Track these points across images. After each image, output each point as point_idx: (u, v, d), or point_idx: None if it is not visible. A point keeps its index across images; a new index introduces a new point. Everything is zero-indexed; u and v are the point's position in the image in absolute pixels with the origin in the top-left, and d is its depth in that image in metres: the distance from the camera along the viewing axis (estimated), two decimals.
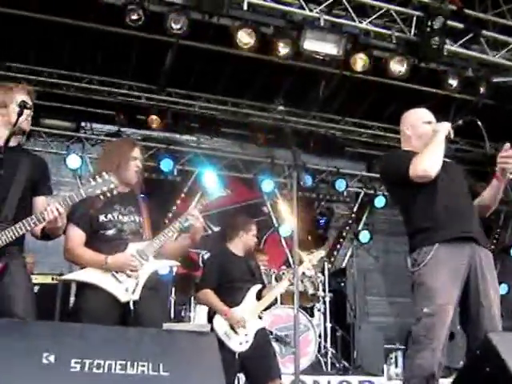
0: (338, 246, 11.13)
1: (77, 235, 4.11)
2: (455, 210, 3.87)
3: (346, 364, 8.13)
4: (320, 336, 8.03)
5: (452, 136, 3.99)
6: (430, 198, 3.90)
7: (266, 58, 8.21)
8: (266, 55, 8.10)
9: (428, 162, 3.87)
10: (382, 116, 10.46)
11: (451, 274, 3.69)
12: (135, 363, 2.84)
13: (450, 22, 7.57)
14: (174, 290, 7.93)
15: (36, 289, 6.34)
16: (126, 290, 3.94)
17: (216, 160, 10.24)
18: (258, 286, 5.78)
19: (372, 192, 11.22)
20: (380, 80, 8.78)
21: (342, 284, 9.71)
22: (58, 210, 3.58)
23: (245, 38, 7.40)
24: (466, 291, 3.75)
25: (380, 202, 11.07)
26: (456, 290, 3.69)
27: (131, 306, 3.90)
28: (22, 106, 3.72)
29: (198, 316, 7.45)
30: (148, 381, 2.85)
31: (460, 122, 4.11)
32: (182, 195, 9.93)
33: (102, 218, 4.12)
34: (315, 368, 7.63)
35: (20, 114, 3.71)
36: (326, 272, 8.52)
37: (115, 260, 3.97)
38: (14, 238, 3.61)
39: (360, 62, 7.83)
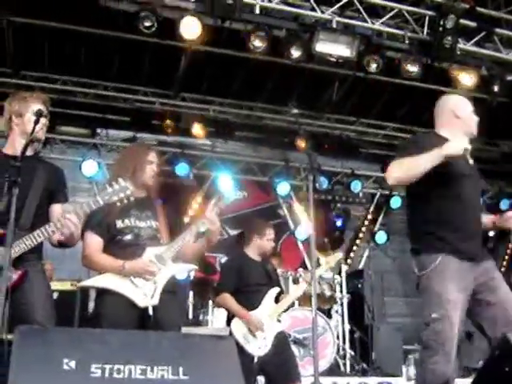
0: (355, 248, 11.12)
1: (94, 242, 4.13)
2: (470, 225, 3.82)
3: (365, 365, 8.11)
4: (338, 338, 8.03)
5: (469, 152, 3.86)
6: (449, 205, 3.81)
7: (278, 60, 8.23)
8: (278, 58, 8.12)
9: (403, 175, 3.79)
10: (395, 116, 10.45)
11: (459, 280, 3.67)
12: (155, 367, 2.86)
13: (462, 21, 7.56)
14: (192, 294, 7.95)
15: (55, 295, 6.38)
16: (144, 294, 3.95)
17: (231, 164, 10.26)
18: (276, 290, 5.78)
19: (387, 193, 11.21)
20: (393, 80, 8.76)
21: (360, 285, 9.69)
22: (71, 218, 3.62)
23: (257, 42, 7.42)
24: (475, 296, 3.74)
25: (396, 202, 11.05)
26: (464, 294, 3.67)
27: (150, 311, 3.93)
28: (38, 114, 3.76)
29: (217, 320, 7.47)
30: None
31: None
32: (198, 199, 9.95)
33: (119, 223, 4.14)
34: (334, 370, 7.63)
35: (36, 123, 3.74)
36: (344, 274, 8.52)
37: (133, 265, 3.99)
38: (32, 245, 3.65)
39: (373, 63, 7.83)
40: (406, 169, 3.73)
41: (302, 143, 9.34)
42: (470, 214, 3.83)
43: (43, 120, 3.85)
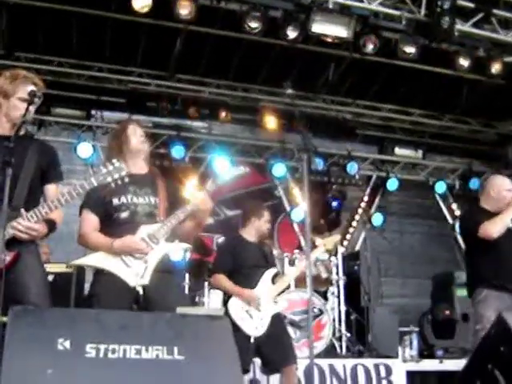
0: (351, 230, 11.11)
1: (90, 220, 4.12)
2: (508, 267, 5.06)
3: (361, 347, 8.13)
4: (334, 320, 8.04)
5: None
6: (493, 254, 5.05)
7: (274, 41, 8.19)
8: (274, 39, 8.08)
9: (495, 229, 5.01)
10: (392, 98, 10.41)
11: (498, 306, 4.78)
12: (150, 348, 2.86)
13: (460, 2, 7.51)
14: (187, 275, 7.95)
15: (51, 278, 6.38)
16: (135, 274, 3.93)
17: (227, 146, 10.22)
18: (273, 271, 5.79)
19: (384, 175, 11.19)
20: (390, 62, 8.70)
21: (356, 267, 9.67)
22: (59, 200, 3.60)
23: (253, 23, 7.37)
24: None
25: (392, 184, 11.04)
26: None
27: (140, 291, 3.91)
28: (32, 95, 3.71)
29: (212, 301, 7.46)
30: (163, 365, 2.87)
31: None
32: (194, 181, 9.92)
33: (115, 201, 4.12)
34: (330, 352, 7.65)
35: (30, 103, 3.70)
36: (340, 255, 8.51)
37: (121, 243, 3.96)
38: None
39: (370, 43, 7.78)
40: (501, 224, 5.04)
41: (297, 124, 9.30)
42: (507, 259, 5.10)
43: (36, 100, 3.80)
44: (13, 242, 3.57)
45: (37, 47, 8.79)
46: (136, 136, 4.30)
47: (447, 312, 8.50)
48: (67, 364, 2.77)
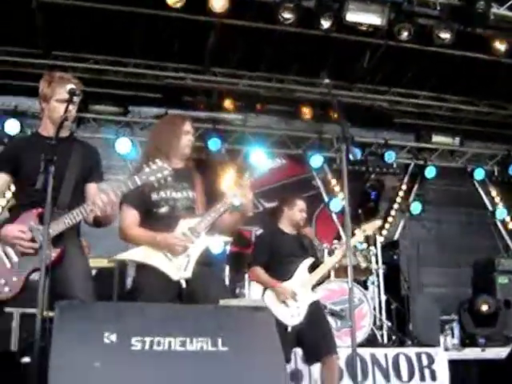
0: (390, 219, 11.05)
1: (130, 215, 4.17)
2: None
3: (402, 336, 8.10)
4: (375, 309, 8.02)
5: None
6: None
7: (308, 32, 8.16)
8: (308, 29, 8.05)
9: None
10: (429, 85, 10.30)
11: None
12: (194, 339, 2.91)
13: None
14: (228, 267, 8.00)
15: (93, 272, 6.48)
16: (177, 267, 3.98)
17: (263, 137, 10.23)
18: (310, 260, 5.80)
19: (422, 163, 11.09)
20: (425, 48, 8.60)
21: (395, 256, 9.63)
22: (108, 198, 3.66)
23: (286, 14, 7.36)
24: None
25: (430, 172, 10.94)
26: None
27: (183, 284, 3.96)
28: (71, 93, 3.79)
29: (253, 293, 7.48)
30: (207, 356, 2.91)
31: None
32: (231, 174, 9.96)
33: (154, 196, 4.17)
34: (371, 341, 7.64)
35: (69, 101, 3.77)
36: (379, 245, 8.48)
37: (164, 238, 4.01)
38: (70, 224, 3.72)
39: (404, 31, 7.72)
40: None
41: (334, 114, 9.28)
42: None
43: (76, 99, 3.87)
44: (58, 239, 3.66)
45: (73, 46, 8.88)
46: (188, 136, 4.34)
47: (488, 303, 8.41)
48: (114, 357, 2.83)
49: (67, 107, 3.75)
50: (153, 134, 4.75)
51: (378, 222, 6.36)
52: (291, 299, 5.50)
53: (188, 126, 4.38)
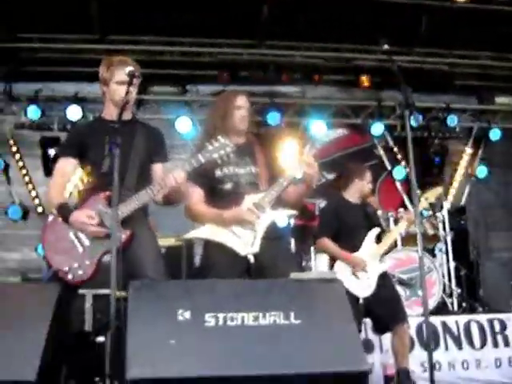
0: (455, 184, 10.84)
1: (195, 193, 4.21)
2: None
3: (473, 303, 8.00)
4: (444, 276, 7.94)
5: None
6: None
7: None
8: None
9: None
10: (489, 45, 9.99)
11: None
12: (267, 314, 2.93)
13: None
14: (293, 240, 8.01)
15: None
16: (245, 243, 4.01)
17: (322, 108, 10.14)
18: (377, 230, 5.77)
19: (486, 125, 10.81)
20: (484, 7, 8.34)
21: (463, 222, 9.49)
22: (179, 176, 3.70)
23: None
24: None
25: (495, 134, 10.63)
26: None
27: (251, 259, 3.98)
28: (131, 75, 3.82)
29: (319, 265, 7.51)
30: (280, 330, 2.93)
31: None
32: (292, 147, 9.92)
33: (217, 173, 4.20)
34: (441, 309, 7.58)
35: (130, 84, 3.82)
36: (445, 211, 8.36)
37: (231, 215, 4.04)
38: (138, 205, 3.78)
39: None
40: None
41: (396, 80, 9.12)
42: None
43: (135, 81, 3.92)
44: (127, 220, 3.72)
45: (128, 29, 8.94)
46: (240, 111, 4.33)
47: None
48: (188, 334, 2.88)
49: (128, 89, 3.79)
50: (209, 112, 4.78)
51: (439, 189, 6.26)
52: (363, 271, 5.49)
53: (240, 101, 4.36)
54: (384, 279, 5.63)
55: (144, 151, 4.00)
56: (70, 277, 3.74)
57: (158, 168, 4.09)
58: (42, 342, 2.88)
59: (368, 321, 5.91)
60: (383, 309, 5.49)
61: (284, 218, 6.72)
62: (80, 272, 3.75)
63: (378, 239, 5.78)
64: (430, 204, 6.29)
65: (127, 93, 3.80)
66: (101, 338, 4.88)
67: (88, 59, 8.58)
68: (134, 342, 2.80)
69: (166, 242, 7.13)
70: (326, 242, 5.70)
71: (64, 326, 3.42)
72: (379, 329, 5.78)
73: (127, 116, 4.00)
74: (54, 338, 2.96)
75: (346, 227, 5.69)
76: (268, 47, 9.55)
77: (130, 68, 3.91)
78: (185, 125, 9.34)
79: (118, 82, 3.97)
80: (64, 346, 3.42)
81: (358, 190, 5.89)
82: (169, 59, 9.32)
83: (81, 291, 5.40)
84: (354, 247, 5.63)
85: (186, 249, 7.21)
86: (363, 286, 5.48)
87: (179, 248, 7.24)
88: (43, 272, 7.24)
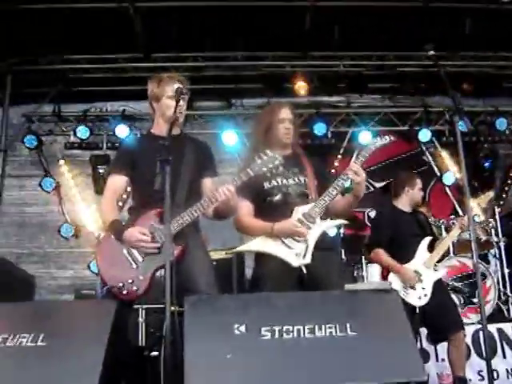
0: (507, 188, 10.64)
1: (244, 206, 4.22)
2: None
3: None
4: (498, 282, 7.80)
5: None
6: None
7: (406, 4, 7.96)
8: (405, 2, 7.86)
9: None
10: None
11: None
12: (323, 326, 2.91)
13: None
14: (343, 251, 7.96)
15: None
16: (296, 254, 3.99)
17: (368, 117, 10.09)
18: (429, 239, 5.70)
19: None
20: None
21: None
22: (229, 190, 3.72)
23: None
24: None
25: None
26: None
27: (304, 271, 3.97)
28: (179, 92, 3.88)
29: (371, 275, 7.44)
30: (337, 342, 2.91)
31: None
32: (339, 156, 9.90)
33: (266, 185, 4.21)
34: (497, 316, 7.44)
35: (178, 101, 3.87)
36: (498, 216, 8.21)
37: (281, 227, 4.04)
38: (189, 221, 3.82)
39: None
40: None
41: (444, 86, 9.01)
42: None
43: (183, 98, 3.97)
44: (179, 236, 3.76)
45: (171, 46, 9.04)
46: (284, 124, 4.33)
47: None
48: (245, 347, 2.89)
49: (176, 105, 3.84)
50: (254, 126, 4.80)
51: (490, 194, 6.18)
52: (417, 282, 5.43)
53: (284, 114, 4.37)
54: (439, 287, 5.56)
55: (194, 166, 4.04)
56: (124, 293, 3.79)
57: (207, 182, 4.12)
58: (100, 358, 2.92)
59: (423, 330, 5.84)
60: (440, 318, 5.42)
61: (334, 227, 6.73)
62: (134, 288, 3.80)
63: (431, 247, 5.71)
64: (482, 209, 6.20)
65: (175, 109, 3.85)
66: (155, 353, 4.91)
67: (133, 78, 8.72)
68: (191, 357, 2.82)
69: (216, 255, 7.15)
70: (380, 253, 5.65)
71: (121, 342, 3.45)
72: (436, 338, 5.71)
73: (176, 131, 4.05)
74: (112, 355, 2.99)
75: (399, 237, 5.64)
76: (311, 58, 9.55)
77: (177, 85, 3.98)
78: (231, 138, 9.41)
79: (170, 97, 4.03)
80: (121, 362, 3.45)
81: (409, 198, 5.84)
82: (213, 74, 9.41)
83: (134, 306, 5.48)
84: (408, 256, 5.57)
85: (237, 261, 7.23)
86: (419, 296, 5.41)
87: (229, 261, 7.26)
88: (97, 289, 7.35)
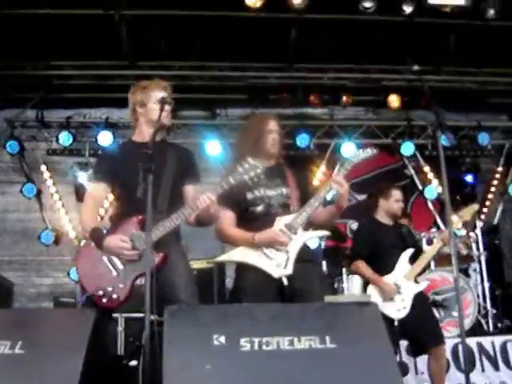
0: (488, 203, 10.71)
1: (226, 216, 4.23)
2: None
3: (509, 323, 7.87)
4: (478, 296, 7.84)
5: None
6: None
7: (391, 19, 8.02)
8: (390, 16, 7.92)
9: None
10: None
11: None
12: (302, 338, 2.90)
13: None
14: (324, 262, 7.97)
15: None
16: (277, 265, 4.00)
17: (351, 129, 10.14)
18: (410, 251, 5.71)
19: None
20: None
21: (497, 241, 9.38)
22: (209, 198, 3.72)
23: (367, 2, 7.27)
24: None
25: None
26: None
27: (285, 282, 3.97)
28: (163, 101, 3.88)
29: (351, 287, 7.47)
30: (316, 354, 2.90)
31: None
32: (322, 168, 9.92)
33: (249, 195, 4.21)
34: (477, 330, 7.47)
35: (162, 110, 3.86)
36: (479, 230, 8.26)
37: (262, 237, 4.04)
38: (170, 228, 3.79)
39: (490, 8, 7.48)
40: None
41: (424, 100, 9.10)
42: None
43: (167, 107, 3.98)
44: (160, 244, 3.74)
45: (157, 54, 9.04)
46: (272, 135, 4.35)
47: None
48: (224, 359, 2.87)
49: (160, 114, 3.84)
50: (241, 136, 4.79)
51: (474, 207, 6.16)
52: (393, 295, 5.43)
53: (271, 125, 4.39)
54: (420, 300, 5.57)
55: (176, 173, 4.03)
56: (104, 301, 3.77)
57: (189, 190, 4.10)
58: (79, 367, 2.89)
59: (403, 342, 5.84)
60: (420, 331, 5.42)
61: (316, 239, 6.75)
62: (114, 296, 3.78)
63: (414, 259, 5.72)
64: (464, 223, 6.21)
65: (159, 118, 3.85)
66: (134, 362, 4.88)
67: (118, 85, 8.70)
68: (170, 367, 2.80)
69: (197, 264, 7.14)
70: (360, 264, 5.66)
71: (100, 351, 3.42)
72: (416, 351, 5.71)
73: (158, 137, 4.03)
74: (90, 364, 2.96)
75: (380, 249, 5.65)
76: (296, 70, 9.58)
77: (162, 94, 3.99)
78: (215, 148, 9.42)
79: (156, 102, 4.03)
80: (100, 371, 3.42)
81: (384, 209, 5.85)
82: (198, 84, 9.41)
83: (113, 315, 5.45)
84: (388, 268, 5.58)
85: (218, 271, 7.22)
86: (398, 308, 5.41)
87: (210, 271, 7.25)
88: (77, 296, 7.30)
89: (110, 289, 3.78)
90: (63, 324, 3.30)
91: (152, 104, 4.09)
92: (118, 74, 9.02)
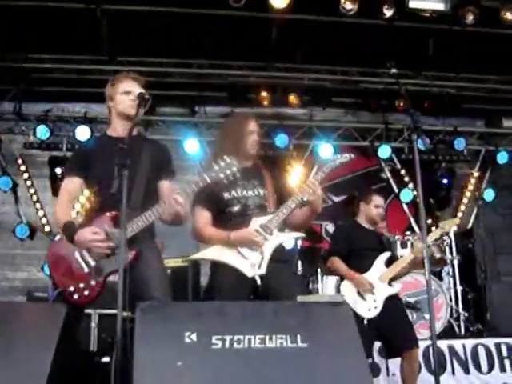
0: (462, 207, 10.81)
1: (203, 216, 4.23)
2: None
3: (480, 326, 7.95)
4: (451, 300, 7.90)
5: None
6: None
7: (371, 22, 8.06)
8: (370, 19, 7.95)
9: None
10: (497, 68, 10.00)
11: None
12: (274, 336, 2.91)
13: None
14: (300, 263, 7.99)
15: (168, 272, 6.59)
16: (251, 265, 4.01)
17: (330, 131, 10.17)
18: (387, 254, 5.76)
19: (493, 148, 10.79)
20: (493, 31, 8.35)
21: (470, 245, 9.45)
22: (178, 199, 3.71)
23: (348, 4, 7.30)
24: None
25: (502, 157, 10.62)
26: None
27: (258, 281, 3.98)
28: (140, 97, 3.86)
29: (326, 287, 7.47)
30: (287, 353, 2.92)
31: None
32: (299, 169, 9.93)
33: (226, 195, 4.22)
34: (448, 333, 7.53)
35: (139, 105, 3.84)
36: (452, 234, 8.32)
37: (238, 236, 4.06)
38: (144, 225, 3.78)
39: (469, 14, 7.54)
40: None
41: (402, 104, 9.15)
42: None
43: (132, 96, 3.97)
44: (133, 241, 3.72)
45: (137, 50, 9.00)
46: (252, 136, 4.36)
47: None
48: (195, 356, 2.87)
49: (138, 110, 3.83)
50: (220, 135, 4.79)
51: (456, 220, 6.27)
52: (368, 291, 5.46)
53: (252, 126, 4.40)
54: (395, 303, 5.61)
55: (151, 168, 4.00)
56: (75, 297, 3.74)
57: (164, 185, 4.08)
58: (48, 363, 2.87)
59: (375, 344, 5.88)
60: (394, 334, 5.46)
61: (291, 240, 6.76)
62: (86, 292, 3.75)
63: (390, 264, 5.76)
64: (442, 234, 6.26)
65: (137, 114, 3.84)
66: (106, 359, 4.86)
67: (97, 80, 8.64)
68: (141, 364, 2.79)
69: (172, 262, 7.12)
70: (336, 260, 5.70)
71: (71, 347, 3.41)
72: (389, 353, 5.76)
73: (133, 132, 4.00)
74: (60, 359, 2.95)
75: (357, 250, 5.69)
76: (276, 69, 9.60)
77: (126, 87, 4.01)
78: (193, 146, 9.40)
79: (122, 93, 4.04)
80: (70, 367, 3.41)
81: (364, 214, 5.90)
82: (177, 80, 9.39)
83: (86, 311, 5.43)
84: (363, 268, 5.62)
85: (192, 270, 7.20)
86: (369, 307, 5.45)
87: (185, 269, 7.23)
88: (49, 292, 7.25)
89: (81, 285, 3.75)
90: (33, 319, 3.27)
91: (119, 95, 4.08)
92: (98, 68, 8.96)
